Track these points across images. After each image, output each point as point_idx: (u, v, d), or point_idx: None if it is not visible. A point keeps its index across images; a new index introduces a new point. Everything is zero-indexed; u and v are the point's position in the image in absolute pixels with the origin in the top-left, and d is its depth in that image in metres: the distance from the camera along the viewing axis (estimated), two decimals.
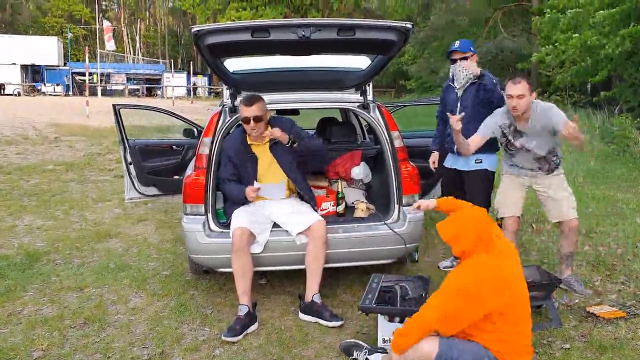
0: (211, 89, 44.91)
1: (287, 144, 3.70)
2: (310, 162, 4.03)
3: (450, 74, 4.26)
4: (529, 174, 3.86)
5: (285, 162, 3.81)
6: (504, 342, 2.42)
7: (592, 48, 12.54)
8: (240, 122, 3.76)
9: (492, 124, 3.77)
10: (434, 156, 4.47)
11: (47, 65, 40.99)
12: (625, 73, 13.59)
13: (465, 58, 4.07)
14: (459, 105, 4.11)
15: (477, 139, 3.79)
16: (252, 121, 3.65)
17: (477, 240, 2.45)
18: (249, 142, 3.82)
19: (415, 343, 2.39)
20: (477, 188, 4.11)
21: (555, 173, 3.83)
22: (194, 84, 41.27)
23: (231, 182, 3.77)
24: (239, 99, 4.01)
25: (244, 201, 3.74)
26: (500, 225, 4.67)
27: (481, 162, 4.11)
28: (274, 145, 3.80)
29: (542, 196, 3.89)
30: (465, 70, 4.05)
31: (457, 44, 4.14)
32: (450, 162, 4.29)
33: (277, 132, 3.67)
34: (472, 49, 4.15)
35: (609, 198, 6.68)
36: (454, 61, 4.12)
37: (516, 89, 3.50)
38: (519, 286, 2.49)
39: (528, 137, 3.69)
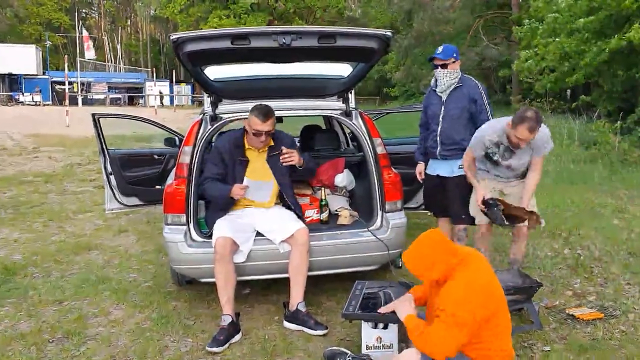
0: (194, 97, 44.68)
1: (300, 167, 3.74)
2: (303, 176, 4.06)
3: (434, 78, 4.25)
4: (503, 180, 3.86)
5: (280, 173, 3.80)
6: (486, 350, 2.43)
7: (570, 55, 12.77)
8: (252, 132, 3.68)
9: (481, 144, 3.68)
10: (420, 167, 4.40)
11: (25, 75, 40.40)
12: (602, 80, 13.85)
13: (445, 65, 4.06)
14: (442, 109, 4.12)
15: (471, 157, 3.78)
16: (263, 135, 3.65)
17: (443, 265, 2.43)
18: (246, 146, 3.80)
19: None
20: (461, 193, 4.08)
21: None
22: (160, 93, 40.43)
23: (216, 181, 3.72)
24: (220, 107, 4.00)
25: (226, 201, 3.70)
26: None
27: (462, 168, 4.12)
28: (273, 156, 3.78)
29: (512, 200, 3.86)
30: (446, 76, 4.07)
31: (439, 49, 4.13)
32: (433, 168, 4.29)
33: (295, 158, 3.69)
34: (455, 55, 4.10)
35: (588, 201, 6.80)
36: (437, 66, 4.12)
37: (531, 136, 3.41)
38: (499, 290, 2.53)
39: (518, 156, 3.65)
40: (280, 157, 3.70)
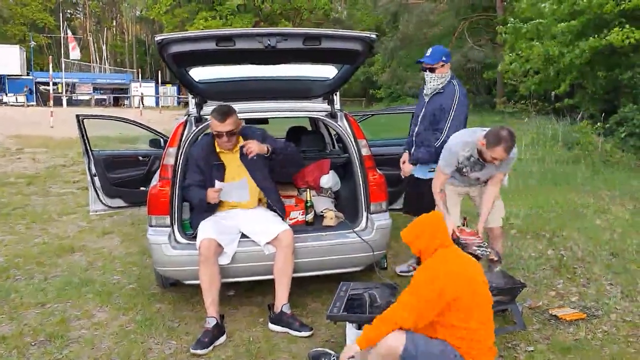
0: (179, 98, 44.38)
1: (267, 154, 3.65)
2: (286, 168, 3.98)
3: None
4: (468, 185, 3.91)
5: (257, 171, 3.79)
6: (469, 340, 2.47)
7: (553, 58, 12.95)
8: (214, 133, 3.68)
9: (453, 160, 3.65)
10: (405, 156, 4.35)
11: (9, 75, 39.85)
12: (586, 82, 14.05)
13: (433, 69, 4.04)
14: (422, 110, 4.17)
15: (445, 178, 3.76)
16: (225, 136, 3.62)
17: (430, 239, 2.59)
18: (217, 150, 3.78)
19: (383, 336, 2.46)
20: (431, 199, 4.12)
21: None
22: (141, 94, 39.54)
23: (195, 188, 3.69)
24: (205, 108, 3.98)
25: (207, 206, 3.68)
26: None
27: (434, 171, 4.09)
28: (246, 154, 3.76)
29: (477, 202, 3.95)
30: (434, 80, 4.07)
31: (427, 52, 4.08)
32: (411, 168, 4.32)
33: (254, 147, 3.56)
34: (444, 58, 4.03)
35: (571, 202, 6.87)
36: (425, 69, 4.09)
37: (507, 156, 3.39)
38: (482, 284, 2.58)
39: (487, 169, 3.65)
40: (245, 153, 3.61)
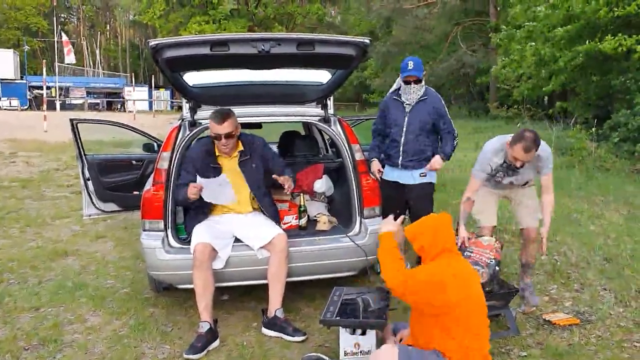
0: (173, 102, 44.27)
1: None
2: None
3: (396, 86, 4.35)
4: (502, 189, 3.93)
5: (253, 178, 3.80)
6: (464, 351, 2.45)
7: (545, 59, 13.03)
8: (212, 136, 3.68)
9: (486, 166, 3.68)
10: (377, 164, 4.33)
11: (2, 79, 39.67)
12: (578, 86, 14.13)
13: (420, 80, 4.13)
14: (406, 119, 4.19)
15: (477, 185, 3.76)
16: (223, 138, 3.62)
17: (434, 238, 2.56)
18: (216, 154, 3.77)
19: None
20: (424, 200, 4.23)
21: (529, 184, 3.91)
22: (122, 98, 38.98)
23: (183, 188, 3.62)
24: (199, 112, 3.99)
25: (187, 203, 3.66)
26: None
27: (425, 175, 4.22)
28: (244, 161, 3.77)
29: (515, 203, 3.95)
30: (419, 90, 4.15)
31: (410, 65, 4.10)
32: (392, 175, 4.32)
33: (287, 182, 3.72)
34: (422, 67, 4.17)
35: (565, 207, 6.90)
36: (408, 82, 4.14)
37: (526, 157, 3.41)
38: (480, 296, 2.56)
39: (520, 175, 3.69)
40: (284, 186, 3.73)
